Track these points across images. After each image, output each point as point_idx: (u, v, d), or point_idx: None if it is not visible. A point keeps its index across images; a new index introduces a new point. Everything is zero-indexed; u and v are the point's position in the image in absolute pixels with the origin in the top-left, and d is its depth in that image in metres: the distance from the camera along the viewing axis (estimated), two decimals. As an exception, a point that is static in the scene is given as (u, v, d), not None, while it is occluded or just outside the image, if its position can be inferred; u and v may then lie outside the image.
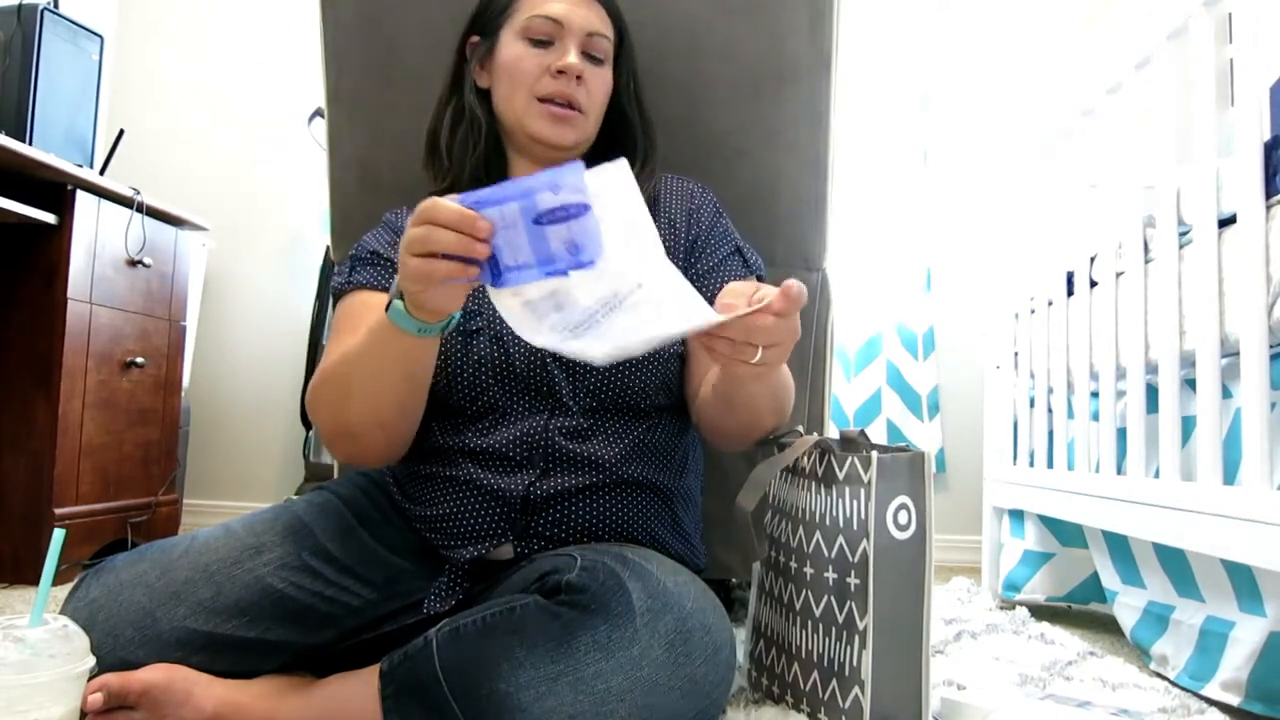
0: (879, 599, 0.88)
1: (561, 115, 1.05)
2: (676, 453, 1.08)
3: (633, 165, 1.04)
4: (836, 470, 0.93)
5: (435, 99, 1.16)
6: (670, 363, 1.04)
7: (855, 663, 0.88)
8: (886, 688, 0.88)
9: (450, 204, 0.72)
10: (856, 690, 0.88)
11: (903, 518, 0.90)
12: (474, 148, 1.09)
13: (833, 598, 0.91)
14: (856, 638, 0.88)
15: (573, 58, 1.04)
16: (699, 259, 1.10)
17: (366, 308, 1.00)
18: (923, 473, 0.91)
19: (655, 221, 1.07)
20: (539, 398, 1.01)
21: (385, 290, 1.04)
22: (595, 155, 1.11)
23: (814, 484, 0.96)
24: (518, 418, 1.01)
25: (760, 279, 1.10)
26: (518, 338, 1.03)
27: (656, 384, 1.04)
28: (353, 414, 0.93)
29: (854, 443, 0.97)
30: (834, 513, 0.92)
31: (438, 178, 1.12)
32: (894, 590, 0.89)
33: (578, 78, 1.04)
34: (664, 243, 1.08)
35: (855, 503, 0.90)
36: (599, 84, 1.08)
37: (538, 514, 0.98)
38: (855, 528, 0.90)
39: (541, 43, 1.05)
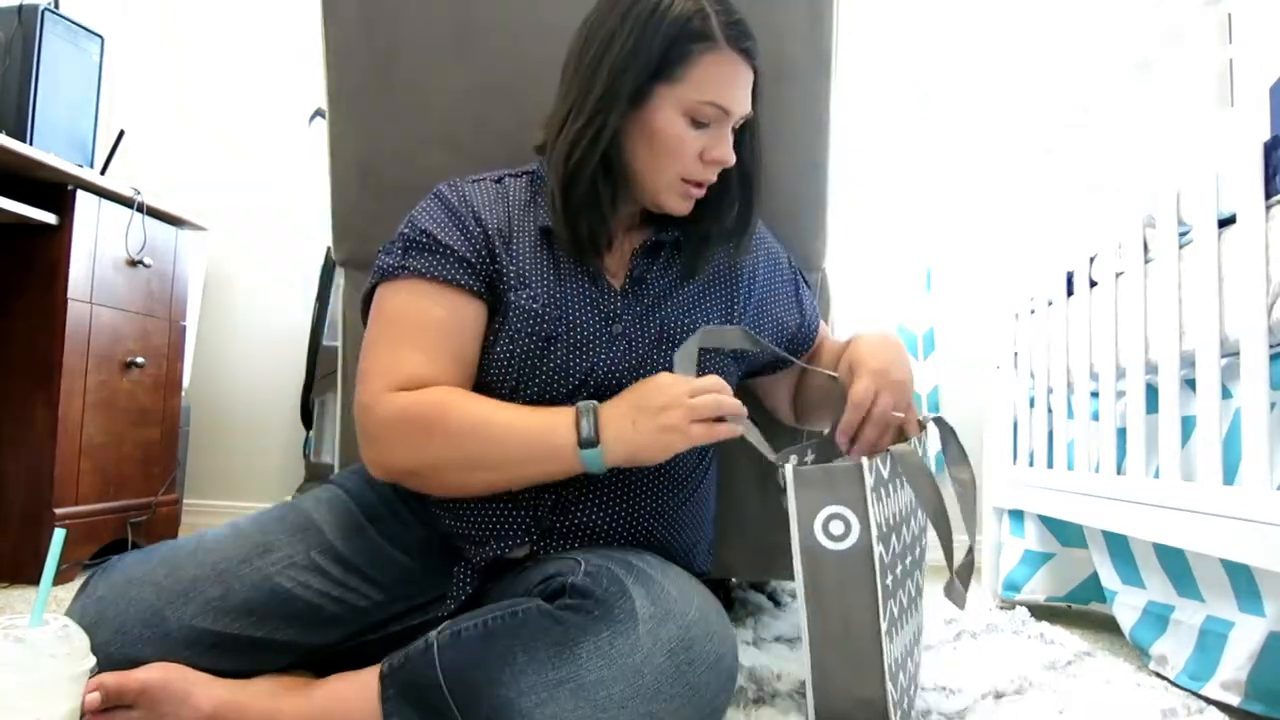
0: (815, 609, 0.86)
1: (694, 195, 1.03)
2: (704, 459, 1.09)
3: (735, 222, 1.07)
4: (779, 479, 0.91)
5: (435, 99, 1.14)
6: (729, 383, 1.04)
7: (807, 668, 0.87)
8: (837, 702, 0.86)
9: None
10: (811, 695, 0.87)
11: (836, 528, 0.86)
12: (596, 190, 1.00)
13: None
14: (803, 645, 0.88)
15: (730, 152, 1.00)
16: (797, 345, 1.17)
17: (428, 304, 0.97)
18: (861, 483, 0.86)
19: (737, 281, 1.10)
20: None
21: (443, 280, 0.98)
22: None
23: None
24: None
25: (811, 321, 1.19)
26: (599, 347, 0.99)
27: None
28: (474, 486, 0.95)
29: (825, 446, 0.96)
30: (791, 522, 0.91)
31: (549, 167, 1.03)
32: (834, 601, 0.86)
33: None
34: (732, 304, 1.10)
35: (790, 511, 0.88)
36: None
37: (561, 516, 0.98)
38: (794, 537, 0.88)
39: (702, 124, 1.00)
